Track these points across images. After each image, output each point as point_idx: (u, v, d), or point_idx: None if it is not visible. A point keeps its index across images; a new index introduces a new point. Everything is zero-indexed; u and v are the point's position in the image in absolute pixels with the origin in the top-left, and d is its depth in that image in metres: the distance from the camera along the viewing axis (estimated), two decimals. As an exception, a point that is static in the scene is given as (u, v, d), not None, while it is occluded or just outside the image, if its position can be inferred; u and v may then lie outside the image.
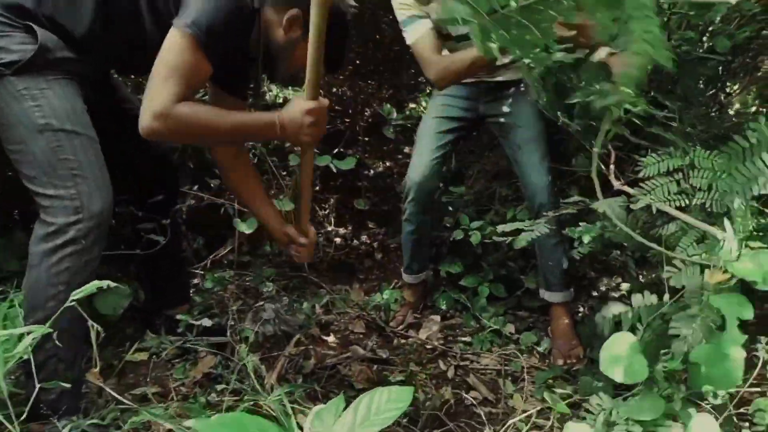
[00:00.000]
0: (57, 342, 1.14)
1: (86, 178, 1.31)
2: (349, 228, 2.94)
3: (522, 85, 2.04)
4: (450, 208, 2.50)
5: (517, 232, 2.31)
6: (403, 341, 2.15)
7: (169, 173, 1.77)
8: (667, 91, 1.78)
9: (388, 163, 3.25)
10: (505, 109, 2.07)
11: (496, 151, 2.66)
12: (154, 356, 1.73)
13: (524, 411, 1.70)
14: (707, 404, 1.14)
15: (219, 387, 1.51)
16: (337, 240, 2.84)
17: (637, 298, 1.25)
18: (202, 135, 1.38)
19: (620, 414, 1.11)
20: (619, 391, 1.33)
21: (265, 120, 1.38)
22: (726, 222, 1.08)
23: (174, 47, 1.27)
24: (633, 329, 1.22)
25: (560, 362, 2.03)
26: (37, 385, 1.09)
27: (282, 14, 1.39)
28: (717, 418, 1.11)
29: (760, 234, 1.13)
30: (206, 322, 1.79)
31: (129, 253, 1.67)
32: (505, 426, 1.39)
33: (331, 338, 2.03)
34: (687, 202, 1.34)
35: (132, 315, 1.83)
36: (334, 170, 2.51)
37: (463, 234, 2.31)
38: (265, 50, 1.43)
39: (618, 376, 1.10)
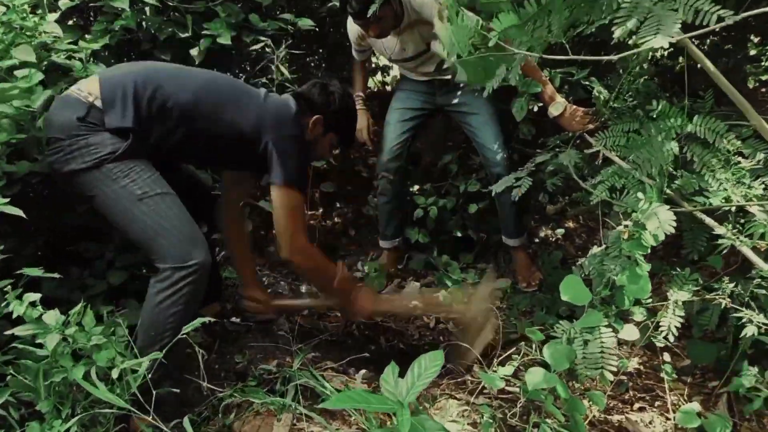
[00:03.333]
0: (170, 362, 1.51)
1: (186, 228, 1.63)
2: (320, 210, 3.32)
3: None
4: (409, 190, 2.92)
5: (470, 200, 2.79)
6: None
7: (207, 204, 2.08)
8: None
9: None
10: (457, 100, 2.50)
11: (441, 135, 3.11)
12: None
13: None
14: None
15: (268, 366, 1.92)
16: (312, 222, 3.22)
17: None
18: (317, 272, 1.98)
19: (576, 329, 1.60)
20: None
21: (350, 285, 2.08)
22: (653, 189, 1.57)
23: (287, 199, 1.82)
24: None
25: (524, 285, 2.60)
26: (155, 392, 1.45)
27: (308, 118, 1.90)
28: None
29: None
30: (234, 319, 2.17)
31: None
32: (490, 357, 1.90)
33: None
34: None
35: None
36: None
37: (423, 212, 2.76)
38: None
39: (571, 299, 1.58)
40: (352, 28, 2.47)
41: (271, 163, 1.81)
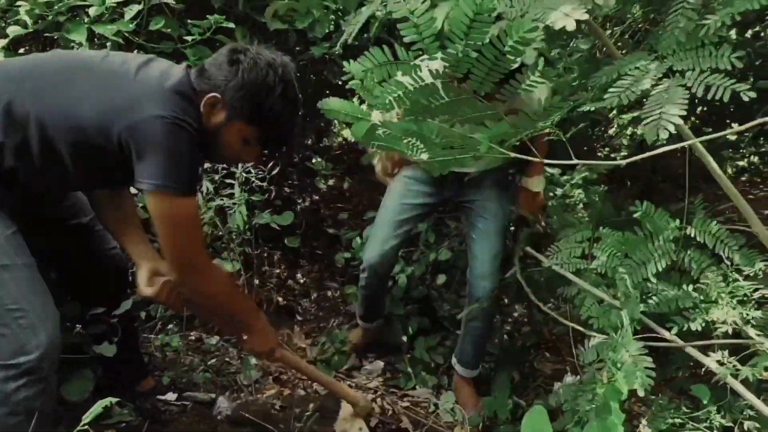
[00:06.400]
0: None
1: (25, 311, 1.30)
2: (282, 267, 3.09)
3: (491, 176, 2.10)
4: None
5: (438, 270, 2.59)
6: (349, 383, 2.37)
7: (118, 279, 1.77)
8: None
9: (315, 197, 3.42)
10: (469, 197, 2.14)
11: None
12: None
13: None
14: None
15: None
16: (272, 281, 2.98)
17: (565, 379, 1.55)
18: (220, 301, 1.60)
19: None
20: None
21: (256, 311, 1.74)
22: (624, 317, 1.38)
23: (168, 210, 1.34)
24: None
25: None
26: None
27: (201, 97, 1.39)
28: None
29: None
30: (170, 396, 1.92)
31: (83, 357, 1.74)
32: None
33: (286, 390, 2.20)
34: (586, 266, 1.66)
35: (92, 395, 1.88)
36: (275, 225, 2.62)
37: (391, 281, 2.55)
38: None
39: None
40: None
41: (132, 160, 1.31)
